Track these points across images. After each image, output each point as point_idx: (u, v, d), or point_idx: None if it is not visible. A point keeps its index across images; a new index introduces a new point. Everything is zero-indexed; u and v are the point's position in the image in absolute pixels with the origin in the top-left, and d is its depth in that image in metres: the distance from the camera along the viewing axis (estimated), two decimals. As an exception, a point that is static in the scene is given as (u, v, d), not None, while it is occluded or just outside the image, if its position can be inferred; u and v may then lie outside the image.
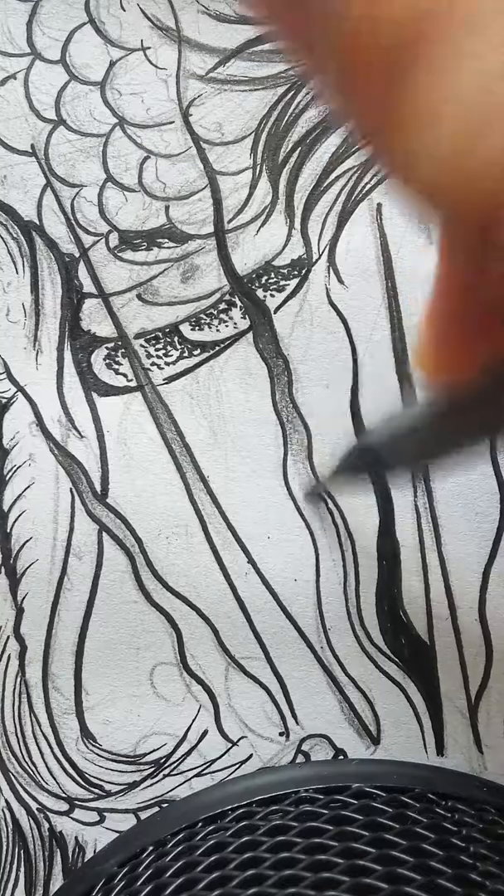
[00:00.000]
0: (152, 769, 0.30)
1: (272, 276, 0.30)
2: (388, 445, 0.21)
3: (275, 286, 0.30)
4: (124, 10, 0.30)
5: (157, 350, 0.30)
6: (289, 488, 0.29)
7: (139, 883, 0.24)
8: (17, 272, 0.30)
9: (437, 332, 0.17)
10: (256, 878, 0.22)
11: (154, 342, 0.30)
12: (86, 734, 0.30)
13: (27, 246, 0.30)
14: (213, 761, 0.30)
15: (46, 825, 0.30)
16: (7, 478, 0.30)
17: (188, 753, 0.30)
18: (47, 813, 0.30)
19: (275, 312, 0.30)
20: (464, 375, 0.17)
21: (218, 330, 0.30)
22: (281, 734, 0.30)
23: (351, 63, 0.11)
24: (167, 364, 0.30)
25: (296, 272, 0.30)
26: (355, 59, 0.11)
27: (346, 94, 0.11)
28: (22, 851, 0.30)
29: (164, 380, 0.30)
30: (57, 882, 0.30)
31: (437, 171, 0.10)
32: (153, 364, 0.30)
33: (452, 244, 0.15)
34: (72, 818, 0.30)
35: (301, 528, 0.29)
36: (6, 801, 0.30)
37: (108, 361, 0.30)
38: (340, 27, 0.10)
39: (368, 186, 0.30)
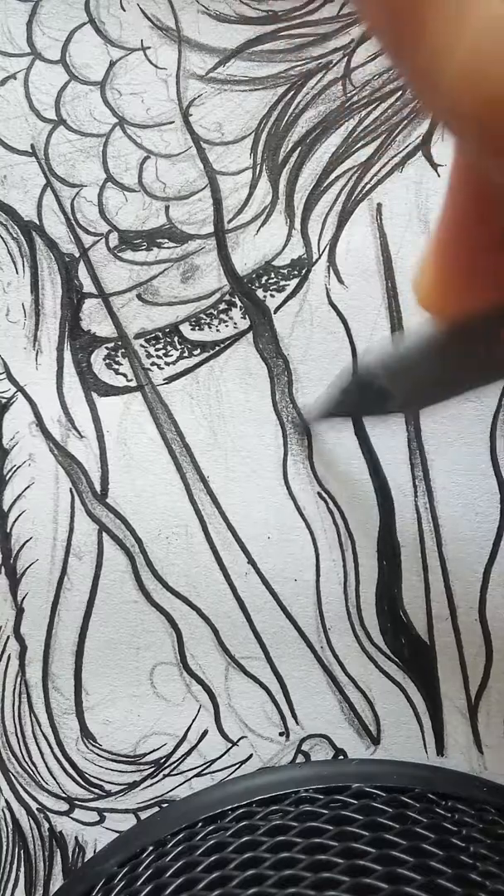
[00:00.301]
0: (152, 769, 0.30)
1: (272, 276, 0.30)
2: (389, 378, 0.21)
3: (275, 286, 0.30)
4: (124, 10, 0.30)
5: (157, 350, 0.30)
6: (289, 488, 0.29)
7: (139, 883, 0.24)
8: (17, 272, 0.30)
9: (443, 263, 0.17)
10: (256, 878, 0.22)
11: (154, 342, 0.30)
12: (86, 734, 0.30)
13: (27, 246, 0.30)
14: (213, 761, 0.30)
15: (46, 825, 0.30)
16: (7, 478, 0.30)
17: (188, 753, 0.30)
18: (47, 813, 0.30)
19: (275, 312, 0.30)
20: (468, 309, 0.17)
21: (218, 330, 0.30)
22: (281, 734, 0.30)
23: None
24: (167, 364, 0.30)
25: (296, 272, 0.30)
26: None
27: (377, 6, 0.11)
28: (22, 851, 0.30)
29: (164, 380, 0.30)
30: (57, 882, 0.30)
31: (463, 78, 0.11)
32: (153, 364, 0.30)
33: (470, 162, 0.15)
34: (72, 818, 0.30)
35: (301, 528, 0.29)
36: (6, 801, 0.30)
37: (108, 361, 0.30)
38: None
39: (368, 186, 0.30)
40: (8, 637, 0.30)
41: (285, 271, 0.30)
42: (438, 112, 0.12)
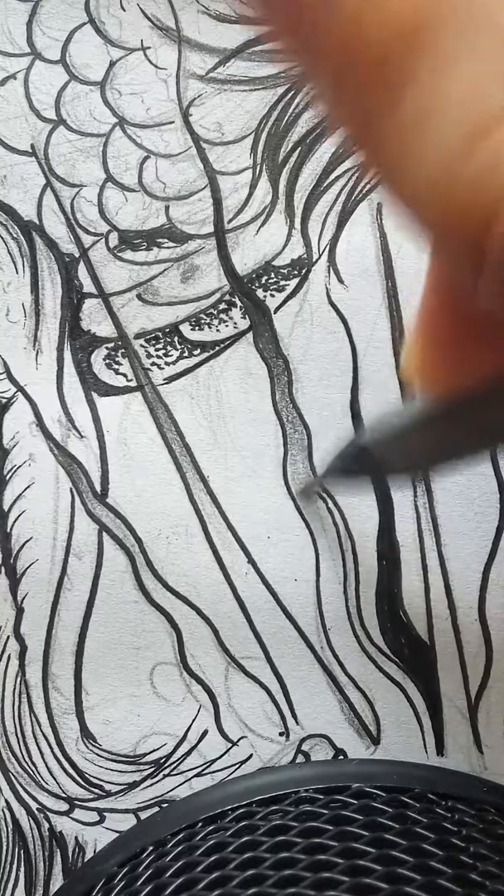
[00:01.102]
0: (152, 769, 0.30)
1: (272, 276, 0.30)
2: (385, 448, 0.21)
3: (275, 286, 0.30)
4: (124, 10, 0.30)
5: (157, 350, 0.30)
6: (289, 488, 0.29)
7: (139, 883, 0.24)
8: (17, 272, 0.30)
9: (428, 337, 0.16)
10: (256, 878, 0.22)
11: (154, 342, 0.30)
12: (86, 734, 0.30)
13: (27, 246, 0.30)
14: (213, 761, 0.30)
15: (46, 825, 0.30)
16: (7, 478, 0.30)
17: (188, 753, 0.30)
18: (47, 813, 0.30)
19: (275, 312, 0.30)
20: (455, 383, 0.17)
21: (218, 330, 0.30)
22: (281, 734, 0.30)
23: (344, 64, 0.10)
24: (167, 364, 0.30)
25: (296, 272, 0.30)
26: (348, 59, 0.10)
27: (340, 98, 0.11)
28: (22, 851, 0.30)
29: (164, 380, 0.30)
30: (57, 882, 0.30)
31: (431, 178, 0.10)
32: (153, 364, 0.30)
33: (442, 262, 0.15)
34: (72, 818, 0.30)
35: (301, 528, 0.29)
36: (6, 801, 0.30)
37: (108, 361, 0.30)
38: (334, 23, 0.10)
39: (368, 186, 0.30)
40: (8, 637, 0.30)
41: (285, 271, 0.30)
42: (405, 207, 0.11)
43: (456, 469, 0.20)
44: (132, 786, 0.30)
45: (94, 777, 0.30)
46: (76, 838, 0.30)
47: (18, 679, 0.30)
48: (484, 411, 0.17)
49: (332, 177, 0.30)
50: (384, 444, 0.21)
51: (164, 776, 0.30)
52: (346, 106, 0.11)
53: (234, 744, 0.30)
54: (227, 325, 0.30)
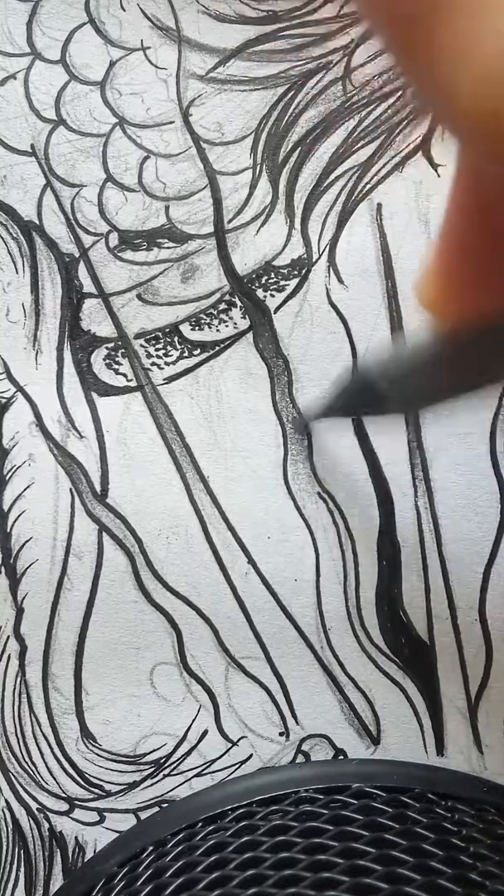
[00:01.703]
0: (152, 769, 0.30)
1: (272, 276, 0.30)
2: (388, 384, 0.21)
3: (275, 286, 0.30)
4: (124, 10, 0.30)
5: (157, 350, 0.30)
6: (289, 488, 0.29)
7: (139, 883, 0.24)
8: (17, 272, 0.30)
9: (445, 265, 0.17)
10: (256, 878, 0.22)
11: (154, 342, 0.30)
12: (86, 734, 0.30)
13: (27, 246, 0.30)
14: (213, 761, 0.30)
15: (46, 825, 0.30)
16: (7, 478, 0.30)
17: (188, 753, 0.30)
18: (47, 813, 0.30)
19: (275, 312, 0.30)
20: (470, 313, 0.17)
21: (218, 330, 0.30)
22: (281, 734, 0.30)
23: None
24: (167, 364, 0.30)
25: (296, 272, 0.30)
26: None
27: (392, 24, 0.11)
28: (22, 851, 0.30)
29: (164, 380, 0.30)
30: (57, 882, 0.30)
31: (477, 90, 0.11)
32: (153, 364, 0.30)
33: (472, 166, 0.15)
34: (72, 818, 0.30)
35: (301, 528, 0.29)
36: (6, 801, 0.30)
37: (108, 361, 0.30)
38: None
39: (368, 186, 0.30)
40: (8, 637, 0.30)
41: (285, 271, 0.30)
42: (446, 118, 0.12)
43: (458, 399, 0.20)
44: (132, 786, 0.30)
45: (94, 777, 0.30)
46: (76, 838, 0.30)
47: (18, 679, 0.30)
48: (487, 342, 0.17)
49: (332, 177, 0.30)
50: (388, 378, 0.20)
51: (164, 776, 0.30)
52: (398, 25, 0.11)
53: (234, 744, 0.30)
54: (227, 325, 0.30)
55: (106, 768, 0.30)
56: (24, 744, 0.30)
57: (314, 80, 0.30)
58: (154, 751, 0.30)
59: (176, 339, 0.30)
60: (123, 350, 0.30)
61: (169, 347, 0.30)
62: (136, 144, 0.30)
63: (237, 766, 0.30)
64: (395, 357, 0.20)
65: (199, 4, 0.30)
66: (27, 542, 0.30)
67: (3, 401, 0.30)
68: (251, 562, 0.29)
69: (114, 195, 0.30)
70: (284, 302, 0.30)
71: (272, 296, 0.30)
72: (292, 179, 0.30)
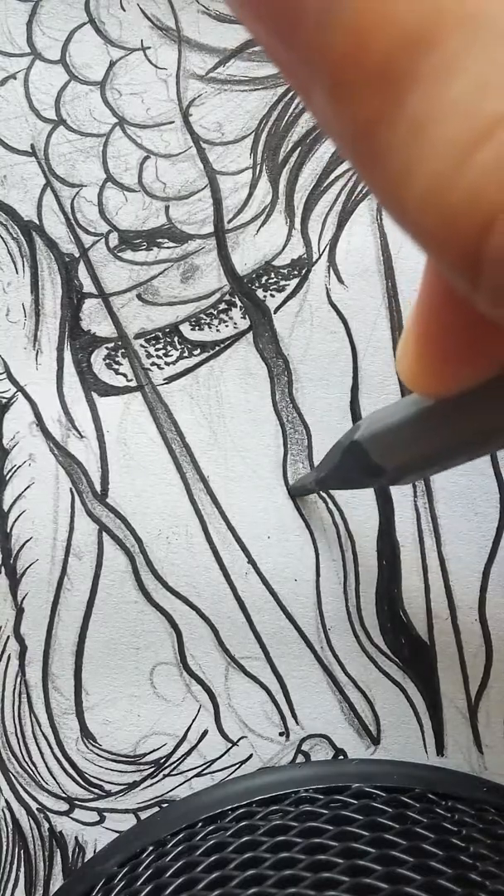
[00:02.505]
0: (152, 769, 0.30)
1: (272, 276, 0.30)
2: (379, 448, 0.20)
3: (275, 286, 0.30)
4: (124, 10, 0.30)
5: (157, 350, 0.30)
6: (289, 488, 0.29)
7: (139, 883, 0.24)
8: (17, 272, 0.30)
9: (422, 339, 0.16)
10: (256, 878, 0.22)
11: (154, 342, 0.30)
12: (86, 734, 0.30)
13: (27, 246, 0.30)
14: (213, 761, 0.30)
15: (46, 825, 0.30)
16: (7, 478, 0.30)
17: (188, 753, 0.30)
18: (47, 813, 0.30)
19: (275, 312, 0.30)
20: (449, 383, 0.17)
21: (218, 330, 0.30)
22: (281, 734, 0.30)
23: (342, 72, 0.10)
24: (167, 364, 0.30)
25: (296, 272, 0.30)
26: (348, 67, 0.10)
27: (335, 108, 0.11)
28: (22, 851, 0.30)
29: (164, 380, 0.30)
30: (57, 882, 0.30)
31: (428, 187, 0.10)
32: (153, 364, 0.30)
33: (439, 272, 0.14)
34: (72, 818, 0.30)
35: (301, 528, 0.29)
36: (6, 801, 0.30)
37: (108, 361, 0.30)
38: (334, 30, 0.10)
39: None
40: (8, 637, 0.30)
41: (285, 271, 0.30)
42: (402, 224, 0.11)
43: (451, 467, 0.20)
44: (132, 786, 0.30)
45: (94, 777, 0.30)
46: (76, 838, 0.30)
47: (18, 679, 0.30)
48: (479, 410, 0.17)
49: (332, 177, 0.30)
50: (379, 444, 0.20)
51: (164, 776, 0.30)
52: (341, 116, 0.11)
53: (234, 744, 0.30)
54: (227, 325, 0.30)
55: (106, 768, 0.30)
56: (24, 744, 0.30)
57: (314, 80, 0.30)
58: (154, 751, 0.30)
59: (176, 339, 0.30)
60: (123, 350, 0.30)
61: (169, 347, 0.30)
62: (136, 144, 0.30)
63: (237, 766, 0.30)
64: (384, 430, 0.20)
65: (199, 4, 0.30)
66: (27, 542, 0.30)
67: (4, 401, 0.30)
68: (251, 562, 0.29)
69: (114, 195, 0.30)
70: (284, 302, 0.30)
71: (272, 296, 0.30)
72: (292, 179, 0.30)
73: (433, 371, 0.16)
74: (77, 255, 0.30)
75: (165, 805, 0.30)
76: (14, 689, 0.30)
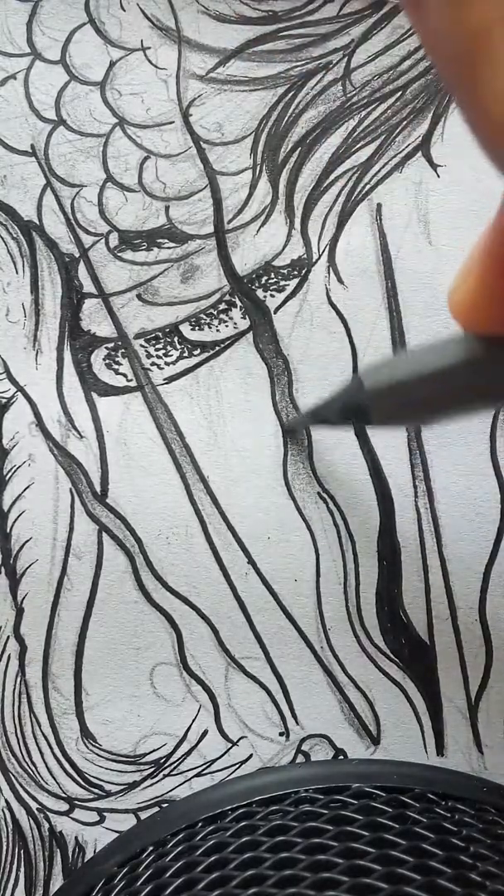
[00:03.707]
0: (152, 769, 0.30)
1: (272, 276, 0.30)
2: (384, 400, 0.20)
3: (275, 286, 0.30)
4: (124, 10, 0.30)
5: (157, 350, 0.30)
6: (289, 488, 0.29)
7: (139, 883, 0.24)
8: (17, 272, 0.30)
9: (488, 273, 0.16)
10: (256, 878, 0.22)
11: (154, 342, 0.30)
12: (86, 734, 0.30)
13: (27, 246, 0.30)
14: (213, 761, 0.30)
15: (46, 825, 0.30)
16: (7, 478, 0.30)
17: (188, 753, 0.30)
18: (47, 813, 0.30)
19: (275, 312, 0.30)
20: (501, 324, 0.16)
21: (218, 330, 0.30)
22: (281, 734, 0.30)
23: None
24: (167, 364, 0.30)
25: (296, 272, 0.30)
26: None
27: (449, 16, 0.11)
28: (22, 851, 0.30)
29: (164, 380, 0.30)
30: (57, 882, 0.30)
31: None
32: (153, 364, 0.30)
33: None
34: (72, 818, 0.30)
35: (301, 528, 0.29)
36: (6, 801, 0.30)
37: (108, 361, 0.30)
38: None
39: (368, 186, 0.30)
40: (8, 637, 0.30)
41: (285, 271, 0.30)
42: (490, 143, 0.12)
43: (454, 420, 0.19)
44: (132, 786, 0.30)
45: (94, 777, 0.30)
46: (76, 838, 0.30)
47: (18, 679, 0.30)
48: None
49: (332, 177, 0.30)
50: (384, 396, 0.20)
51: (164, 776, 0.30)
52: (454, 21, 0.11)
53: (234, 744, 0.30)
54: (227, 325, 0.30)
55: (106, 768, 0.30)
56: (24, 744, 0.30)
57: (314, 81, 0.30)
58: (154, 751, 0.30)
59: (176, 339, 0.30)
60: (123, 350, 0.30)
61: (169, 347, 0.30)
62: (136, 144, 0.30)
63: (237, 766, 0.30)
64: (390, 374, 0.20)
65: (199, 4, 0.30)
66: (27, 542, 0.30)
67: (3, 401, 0.30)
68: (251, 562, 0.29)
69: (114, 195, 0.30)
70: (284, 302, 0.30)
71: (272, 296, 0.30)
72: (292, 179, 0.30)
73: (492, 308, 0.16)
74: (77, 255, 0.30)
75: (165, 805, 0.30)
76: (14, 689, 0.30)
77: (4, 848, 0.30)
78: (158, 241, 0.30)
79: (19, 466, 0.30)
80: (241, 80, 0.30)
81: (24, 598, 0.30)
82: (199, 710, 0.30)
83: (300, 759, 0.30)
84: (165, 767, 0.30)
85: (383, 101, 0.30)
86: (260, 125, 0.30)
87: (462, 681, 0.29)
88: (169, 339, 0.30)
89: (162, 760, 0.30)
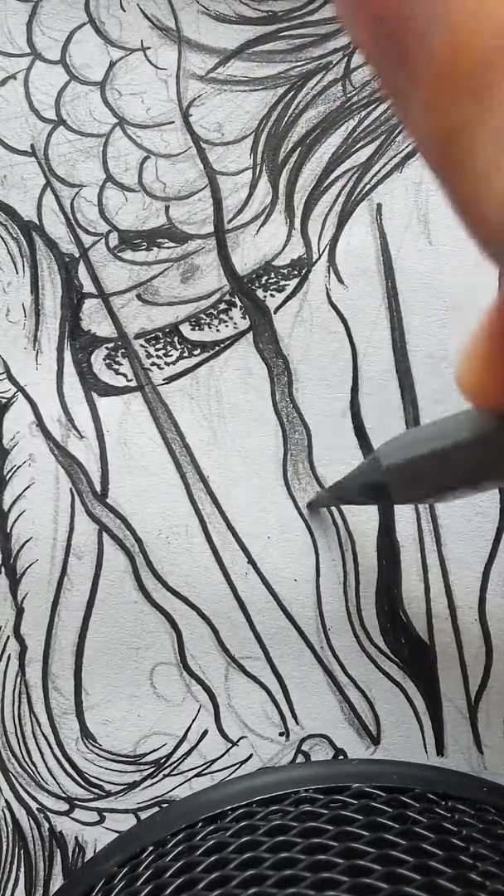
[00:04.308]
0: (152, 769, 0.30)
1: (272, 276, 0.30)
2: (403, 478, 0.20)
3: (275, 286, 0.30)
4: (124, 10, 0.30)
5: (157, 350, 0.30)
6: (289, 488, 0.29)
7: (139, 883, 0.24)
8: (17, 272, 0.30)
9: (492, 355, 0.16)
10: (256, 878, 0.22)
11: (154, 342, 0.30)
12: (86, 734, 0.30)
13: (27, 246, 0.30)
14: (213, 761, 0.30)
15: (46, 825, 0.30)
16: (7, 478, 0.30)
17: (188, 753, 0.30)
18: (47, 813, 0.30)
19: (275, 312, 0.30)
20: None
21: (218, 330, 0.30)
22: (281, 734, 0.30)
23: (439, 84, 0.11)
24: (167, 364, 0.30)
25: (296, 272, 0.30)
26: (446, 68, 0.11)
27: (431, 107, 0.11)
28: (22, 851, 0.30)
29: (164, 380, 0.30)
30: (57, 882, 0.30)
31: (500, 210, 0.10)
32: (153, 364, 0.30)
33: None
34: (72, 818, 0.30)
35: (301, 528, 0.29)
36: (6, 801, 0.30)
37: (108, 361, 0.30)
38: (435, 33, 0.10)
39: (368, 186, 0.30)
40: (8, 637, 0.30)
41: (285, 271, 0.30)
42: (477, 237, 0.12)
43: (471, 495, 0.19)
44: (132, 786, 0.30)
45: (94, 777, 0.30)
46: (76, 838, 0.30)
47: (18, 679, 0.30)
48: None
49: (332, 177, 0.30)
50: (401, 475, 0.20)
51: (164, 776, 0.30)
52: (434, 122, 0.11)
53: (234, 744, 0.30)
54: (227, 325, 0.30)
55: (106, 768, 0.30)
56: (24, 744, 0.30)
57: (314, 81, 0.30)
58: (154, 751, 0.30)
59: (176, 339, 0.30)
60: (123, 350, 0.30)
61: (169, 347, 0.30)
62: (136, 144, 0.30)
63: (237, 766, 0.30)
64: (407, 450, 0.20)
65: (199, 4, 0.30)
66: (27, 542, 0.30)
67: (4, 401, 0.30)
68: (251, 562, 0.29)
69: (114, 195, 0.30)
70: (284, 302, 0.30)
71: (272, 296, 0.30)
72: (292, 179, 0.30)
73: (498, 387, 0.16)
74: (77, 255, 0.30)
75: (165, 805, 0.30)
76: (14, 689, 0.30)
77: (4, 848, 0.30)
78: (158, 241, 0.30)
79: (19, 466, 0.30)
80: (241, 80, 0.30)
81: (24, 598, 0.30)
82: (199, 710, 0.30)
83: (300, 759, 0.30)
84: (165, 767, 0.30)
85: (383, 101, 0.30)
86: (260, 125, 0.30)
87: (462, 681, 0.29)
88: (169, 339, 0.30)
89: (162, 760, 0.30)
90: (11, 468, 0.30)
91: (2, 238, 0.30)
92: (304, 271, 0.30)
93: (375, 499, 0.22)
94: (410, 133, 0.12)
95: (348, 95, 0.30)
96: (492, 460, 0.18)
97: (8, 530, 0.30)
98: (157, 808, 0.30)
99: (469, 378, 0.16)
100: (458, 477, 0.19)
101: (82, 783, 0.30)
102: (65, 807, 0.30)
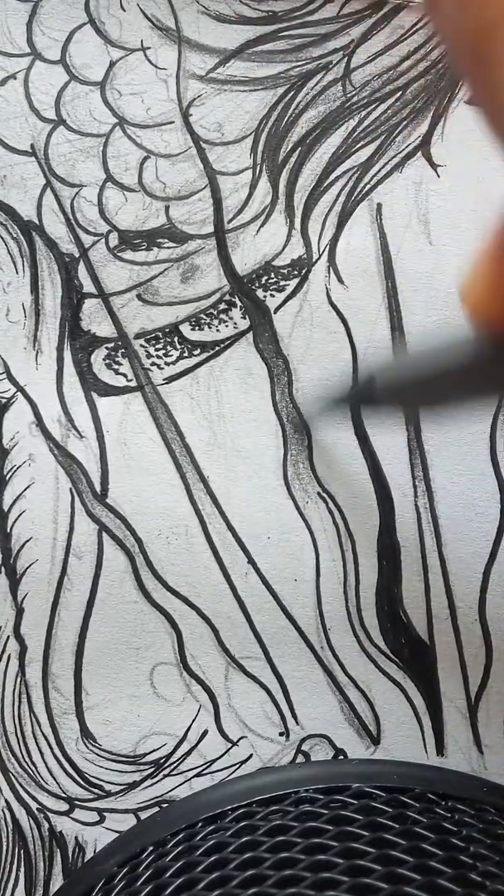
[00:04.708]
0: (152, 769, 0.30)
1: (272, 276, 0.30)
2: (400, 391, 0.20)
3: (275, 286, 0.30)
4: (124, 10, 0.30)
5: (157, 350, 0.30)
6: (289, 488, 0.29)
7: (139, 883, 0.24)
8: (17, 272, 0.30)
9: (499, 274, 0.16)
10: (256, 878, 0.22)
11: (154, 342, 0.30)
12: (86, 734, 0.30)
13: (27, 246, 0.30)
14: (213, 761, 0.30)
15: (46, 825, 0.30)
16: (7, 478, 0.30)
17: (188, 753, 0.30)
18: (47, 813, 0.30)
19: (275, 312, 0.30)
20: None
21: (218, 330, 0.30)
22: (281, 734, 0.30)
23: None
24: (167, 364, 0.30)
25: (296, 272, 0.30)
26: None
27: (463, 15, 0.13)
28: (22, 851, 0.30)
29: (164, 380, 0.30)
30: (57, 882, 0.30)
31: None
32: (153, 364, 0.30)
33: None
34: (72, 818, 0.30)
35: (301, 528, 0.29)
36: (6, 801, 0.30)
37: (108, 361, 0.30)
38: None
39: (368, 186, 0.30)
40: (8, 637, 0.30)
41: (285, 271, 0.30)
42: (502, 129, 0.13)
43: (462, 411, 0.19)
44: (132, 786, 0.30)
45: (94, 777, 0.30)
46: (76, 838, 0.30)
47: (18, 679, 0.30)
48: None
49: (332, 177, 0.30)
50: (401, 387, 0.20)
51: (164, 776, 0.30)
52: (470, 12, 0.13)
53: (234, 744, 0.30)
54: (227, 325, 0.30)
55: (106, 768, 0.30)
56: (24, 744, 0.30)
57: (314, 81, 0.30)
58: (154, 751, 0.30)
59: (176, 339, 0.30)
60: (123, 350, 0.30)
61: (169, 347, 0.30)
62: (136, 144, 0.30)
63: (237, 766, 0.30)
64: (408, 366, 0.20)
65: (199, 4, 0.30)
66: (27, 542, 0.30)
67: (3, 401, 0.30)
68: (251, 562, 0.29)
69: (114, 195, 0.30)
70: (284, 302, 0.30)
71: (272, 296, 0.30)
72: (292, 179, 0.30)
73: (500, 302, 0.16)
74: (77, 255, 0.30)
75: (165, 805, 0.30)
76: (14, 689, 0.30)
77: (4, 848, 0.30)
78: (158, 240, 0.30)
79: (19, 466, 0.30)
80: (241, 80, 0.30)
81: (24, 597, 0.30)
82: (199, 710, 0.30)
83: (300, 759, 0.30)
84: (165, 767, 0.30)
85: (383, 101, 0.30)
86: (260, 125, 0.30)
87: (462, 681, 0.29)
88: (169, 339, 0.30)
89: (162, 760, 0.30)
90: (11, 468, 0.30)
91: (2, 238, 0.30)
92: (304, 271, 0.30)
93: (364, 399, 0.23)
94: (442, 35, 0.14)
95: (348, 95, 0.30)
96: (486, 382, 0.18)
97: (8, 530, 0.30)
98: (157, 808, 0.30)
99: (473, 298, 0.16)
100: (450, 395, 0.19)
101: (82, 783, 0.30)
102: (65, 807, 0.30)
